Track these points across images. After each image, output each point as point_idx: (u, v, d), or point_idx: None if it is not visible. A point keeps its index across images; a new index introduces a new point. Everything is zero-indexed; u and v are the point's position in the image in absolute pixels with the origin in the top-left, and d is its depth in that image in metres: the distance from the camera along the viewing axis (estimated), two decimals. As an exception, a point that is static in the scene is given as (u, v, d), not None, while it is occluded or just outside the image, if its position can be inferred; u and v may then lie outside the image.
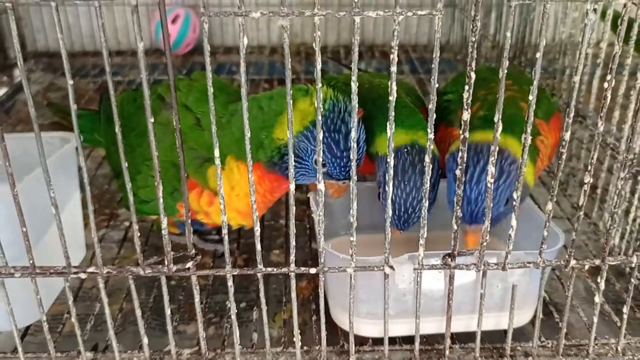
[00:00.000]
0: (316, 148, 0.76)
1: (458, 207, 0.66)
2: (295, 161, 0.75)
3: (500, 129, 0.62)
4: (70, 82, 0.61)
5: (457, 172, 0.66)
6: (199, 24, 2.01)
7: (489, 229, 0.67)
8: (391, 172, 0.64)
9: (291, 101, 0.59)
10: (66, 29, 2.05)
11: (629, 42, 0.92)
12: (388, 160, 0.63)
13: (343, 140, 0.76)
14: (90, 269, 0.69)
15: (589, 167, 0.65)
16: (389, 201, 0.66)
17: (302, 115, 0.76)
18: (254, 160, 0.75)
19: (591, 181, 1.08)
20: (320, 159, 0.60)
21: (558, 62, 1.21)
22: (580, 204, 0.68)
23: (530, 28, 1.40)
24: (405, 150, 0.81)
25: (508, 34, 0.59)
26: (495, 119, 0.62)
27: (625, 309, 0.77)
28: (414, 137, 0.83)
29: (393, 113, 0.62)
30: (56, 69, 1.94)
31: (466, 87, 0.61)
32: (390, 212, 0.66)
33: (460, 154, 0.65)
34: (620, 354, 0.79)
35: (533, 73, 0.62)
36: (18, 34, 1.92)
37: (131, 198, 0.64)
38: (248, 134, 0.61)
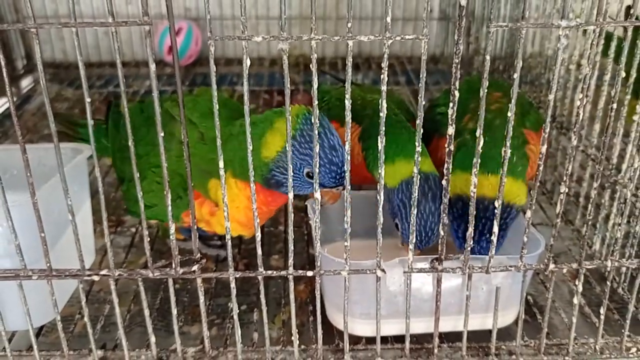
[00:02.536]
0: (301, 160, 0.82)
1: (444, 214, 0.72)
2: (284, 176, 0.82)
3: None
4: (88, 99, 0.66)
5: (444, 182, 0.71)
6: (201, 36, 2.07)
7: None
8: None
9: (288, 120, 0.65)
10: (72, 40, 2.11)
11: (608, 55, 0.98)
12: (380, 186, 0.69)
13: (321, 150, 0.80)
14: (103, 272, 0.74)
15: (565, 179, 0.71)
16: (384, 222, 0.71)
17: (281, 133, 0.82)
18: (249, 179, 0.83)
19: (568, 190, 1.14)
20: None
21: (544, 77, 1.27)
22: (557, 212, 0.73)
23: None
24: (414, 181, 0.86)
25: (488, 57, 0.64)
26: (474, 162, 0.68)
27: (602, 310, 0.82)
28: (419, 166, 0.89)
29: (384, 128, 0.67)
30: (62, 79, 2.00)
31: (450, 104, 0.67)
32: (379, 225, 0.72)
33: (445, 165, 0.71)
34: (599, 353, 0.84)
35: (520, 86, 0.67)
36: (24, 45, 1.98)
37: (142, 205, 0.70)
38: (250, 147, 0.67)
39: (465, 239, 0.74)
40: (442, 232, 0.73)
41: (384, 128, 0.67)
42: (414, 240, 0.73)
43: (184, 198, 0.88)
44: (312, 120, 0.77)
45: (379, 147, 0.68)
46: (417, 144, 0.68)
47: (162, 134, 0.66)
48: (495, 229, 0.72)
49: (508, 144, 0.67)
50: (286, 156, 0.79)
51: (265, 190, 0.86)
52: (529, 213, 0.73)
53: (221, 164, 0.68)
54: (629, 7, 0.75)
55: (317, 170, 0.68)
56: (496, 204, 0.71)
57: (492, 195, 0.83)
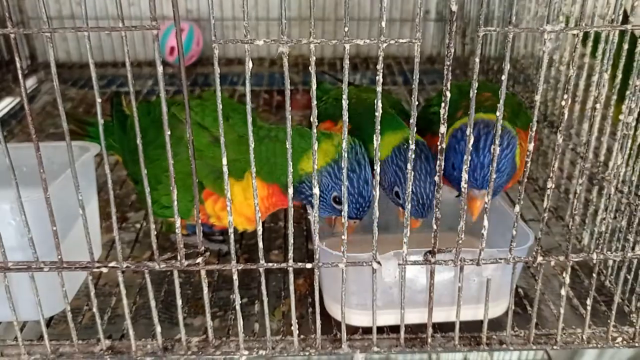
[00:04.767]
0: (334, 183, 0.87)
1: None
2: (312, 192, 0.85)
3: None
4: (98, 100, 0.69)
5: (436, 178, 0.75)
6: (201, 37, 2.10)
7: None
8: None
9: (289, 120, 0.68)
10: (75, 41, 2.14)
11: (596, 56, 1.02)
12: (376, 168, 0.73)
13: (356, 180, 0.86)
14: (112, 264, 0.78)
15: (551, 175, 0.74)
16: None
17: (324, 153, 0.87)
18: (272, 182, 0.89)
19: (559, 187, 1.18)
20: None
21: (536, 77, 1.30)
22: (545, 206, 0.77)
23: (512, 43, 1.49)
24: (404, 146, 0.91)
25: (477, 60, 0.68)
26: (468, 132, 0.71)
27: (588, 301, 0.86)
28: (404, 134, 0.93)
29: (379, 127, 0.71)
30: (66, 79, 2.03)
31: (442, 104, 0.70)
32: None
33: (438, 162, 0.74)
34: (586, 343, 0.88)
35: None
36: (28, 45, 2.01)
37: (149, 200, 0.73)
38: (252, 145, 0.71)
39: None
40: (435, 226, 0.77)
41: (379, 127, 0.70)
42: (409, 207, 0.74)
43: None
44: (354, 148, 0.87)
45: (375, 144, 0.71)
46: (411, 141, 0.72)
47: (169, 133, 0.69)
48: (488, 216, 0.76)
49: (497, 142, 0.71)
50: (320, 176, 0.87)
51: (281, 194, 0.92)
52: (517, 208, 0.76)
53: (224, 161, 0.71)
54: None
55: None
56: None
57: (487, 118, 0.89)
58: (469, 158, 0.72)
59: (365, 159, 0.88)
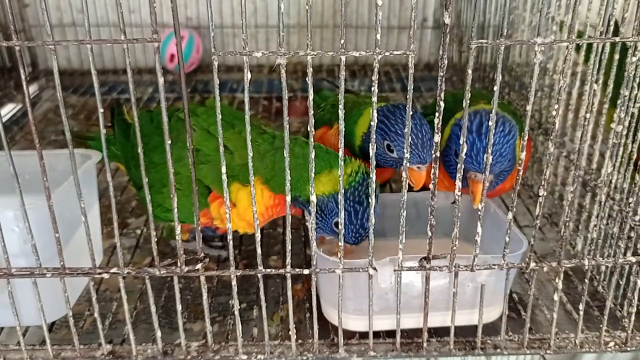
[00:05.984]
0: (339, 212, 0.87)
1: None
2: (318, 215, 0.91)
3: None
4: (101, 110, 0.71)
5: (431, 186, 0.77)
6: (201, 45, 2.12)
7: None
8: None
9: (287, 129, 0.70)
10: (76, 47, 2.16)
11: (588, 63, 1.04)
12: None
13: (362, 213, 0.88)
14: (113, 270, 0.79)
15: (543, 183, 0.76)
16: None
17: (336, 180, 0.89)
18: (281, 193, 0.92)
19: (554, 194, 1.19)
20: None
21: (531, 86, 1.32)
22: (536, 213, 0.79)
23: (507, 51, 1.51)
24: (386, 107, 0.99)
25: (470, 71, 0.70)
26: (463, 127, 0.73)
27: (581, 307, 0.87)
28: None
29: (374, 137, 0.72)
30: (67, 87, 2.04)
31: (436, 114, 0.72)
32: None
33: (433, 171, 0.76)
34: (578, 347, 0.89)
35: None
36: (29, 53, 2.03)
37: (150, 207, 0.75)
38: (251, 153, 0.72)
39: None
40: (429, 233, 0.79)
41: (374, 137, 0.72)
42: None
43: (203, 201, 0.95)
44: (365, 180, 0.89)
45: (371, 153, 0.73)
46: (405, 151, 0.74)
47: (170, 142, 0.71)
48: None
49: (491, 145, 0.73)
50: (328, 200, 0.90)
51: (284, 204, 0.93)
52: (510, 215, 0.78)
53: (223, 169, 0.73)
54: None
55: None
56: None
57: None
58: (464, 158, 0.74)
59: (375, 194, 0.90)
